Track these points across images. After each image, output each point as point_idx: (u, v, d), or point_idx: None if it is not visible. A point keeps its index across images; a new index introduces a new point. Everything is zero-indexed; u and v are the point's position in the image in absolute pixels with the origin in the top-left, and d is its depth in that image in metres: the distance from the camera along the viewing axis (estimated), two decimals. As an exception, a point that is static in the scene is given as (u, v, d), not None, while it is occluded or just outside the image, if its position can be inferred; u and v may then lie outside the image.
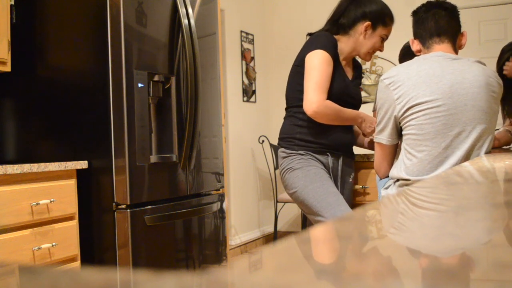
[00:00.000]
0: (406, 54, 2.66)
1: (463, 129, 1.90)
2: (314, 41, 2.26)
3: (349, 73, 2.37)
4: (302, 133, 2.28)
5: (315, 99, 2.15)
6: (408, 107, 1.91)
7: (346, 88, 2.30)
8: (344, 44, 2.31)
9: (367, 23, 2.27)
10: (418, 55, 2.08)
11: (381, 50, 2.36)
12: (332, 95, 2.21)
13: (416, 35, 2.07)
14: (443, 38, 2.01)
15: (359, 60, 2.51)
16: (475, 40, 4.86)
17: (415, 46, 2.08)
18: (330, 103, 2.19)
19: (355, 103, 2.37)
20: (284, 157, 2.30)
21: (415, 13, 2.09)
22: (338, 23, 2.32)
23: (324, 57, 2.19)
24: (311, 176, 2.21)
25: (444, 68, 1.92)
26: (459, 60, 1.96)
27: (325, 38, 2.25)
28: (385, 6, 2.32)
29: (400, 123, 1.99)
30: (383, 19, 2.29)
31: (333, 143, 2.29)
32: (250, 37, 5.41)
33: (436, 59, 1.95)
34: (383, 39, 2.33)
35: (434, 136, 1.91)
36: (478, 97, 1.90)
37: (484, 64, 2.02)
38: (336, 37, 2.30)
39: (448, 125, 1.90)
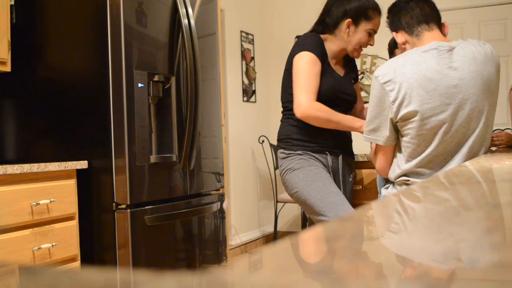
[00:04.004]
0: (394, 49, 2.66)
1: (461, 133, 1.88)
2: (299, 44, 2.29)
3: (340, 71, 2.37)
4: (299, 133, 2.28)
5: (302, 101, 2.16)
6: (405, 112, 1.86)
7: (337, 84, 2.29)
8: (332, 43, 2.32)
9: (348, 20, 2.27)
10: (404, 47, 2.03)
11: (371, 45, 2.35)
12: (322, 94, 2.21)
13: (400, 27, 2.02)
14: (431, 25, 1.98)
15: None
16: (475, 40, 4.86)
17: (400, 38, 2.03)
18: (320, 105, 2.18)
19: (350, 98, 2.36)
20: (284, 158, 2.31)
21: (393, 7, 2.07)
22: (324, 23, 2.33)
23: (309, 58, 2.21)
24: (312, 175, 2.21)
25: (440, 69, 1.87)
26: (455, 53, 1.90)
27: (310, 39, 2.27)
28: (366, 0, 2.30)
29: (397, 126, 1.95)
30: (364, 13, 2.28)
31: (330, 141, 2.29)
32: (250, 37, 5.41)
33: (431, 55, 1.89)
34: (370, 33, 2.32)
35: (432, 142, 1.89)
36: (474, 98, 1.87)
37: (485, 44, 1.97)
38: (323, 36, 2.32)
39: (446, 131, 1.87)
